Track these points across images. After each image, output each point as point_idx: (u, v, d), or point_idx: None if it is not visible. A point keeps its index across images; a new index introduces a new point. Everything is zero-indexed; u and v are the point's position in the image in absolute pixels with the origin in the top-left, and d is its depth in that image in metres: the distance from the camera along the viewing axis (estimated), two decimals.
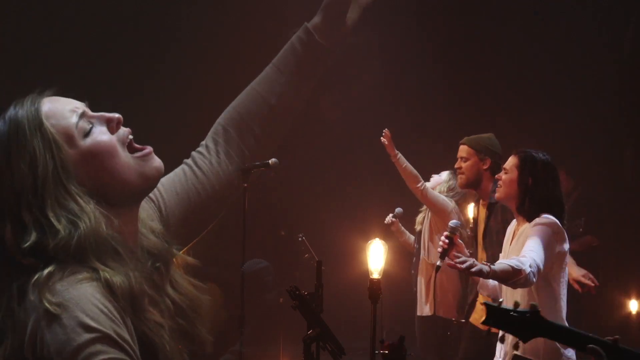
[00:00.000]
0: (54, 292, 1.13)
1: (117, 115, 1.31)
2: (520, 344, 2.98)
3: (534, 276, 3.05)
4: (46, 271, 1.15)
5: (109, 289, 1.16)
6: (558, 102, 7.07)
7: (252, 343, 5.17)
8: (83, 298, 1.12)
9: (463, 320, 4.87)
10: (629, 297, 5.61)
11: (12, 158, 1.21)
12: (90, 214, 1.21)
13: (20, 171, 1.20)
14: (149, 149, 1.32)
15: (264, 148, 1.65)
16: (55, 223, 1.18)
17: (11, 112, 1.26)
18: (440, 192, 4.95)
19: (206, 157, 1.59)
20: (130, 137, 1.31)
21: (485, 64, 7.32)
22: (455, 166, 4.46)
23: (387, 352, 2.42)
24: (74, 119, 1.26)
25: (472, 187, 4.46)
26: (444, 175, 5.09)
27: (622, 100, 6.96)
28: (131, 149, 1.30)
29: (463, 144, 4.43)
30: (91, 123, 1.28)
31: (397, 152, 4.67)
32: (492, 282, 3.51)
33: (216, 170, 1.58)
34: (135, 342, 1.16)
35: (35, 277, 1.15)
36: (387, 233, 5.07)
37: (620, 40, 6.97)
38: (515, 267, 3.05)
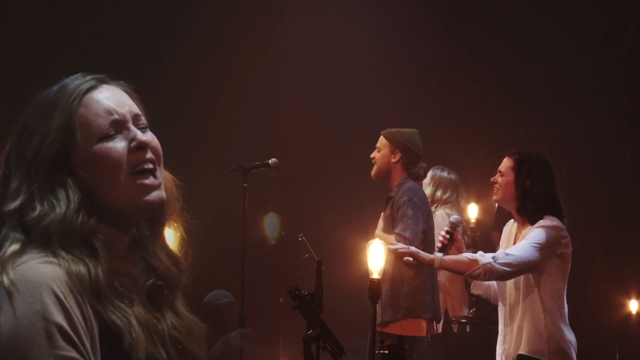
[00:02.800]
0: (14, 270, 1.15)
1: (142, 138, 1.28)
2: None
3: (502, 267, 3.12)
4: (11, 248, 1.18)
5: (69, 275, 1.17)
6: (558, 102, 7.07)
7: (252, 343, 5.15)
8: (41, 283, 1.14)
9: (464, 320, 4.87)
10: (629, 297, 5.61)
11: (37, 123, 1.25)
12: (71, 202, 1.22)
13: (34, 139, 1.24)
14: (151, 181, 1.28)
15: None
16: (37, 201, 1.21)
17: (69, 79, 1.29)
18: (434, 192, 4.93)
19: None
20: (149, 166, 1.28)
21: (484, 65, 7.31)
22: (371, 156, 4.42)
23: (387, 352, 2.41)
24: (103, 120, 1.26)
25: (383, 180, 4.42)
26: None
27: (622, 100, 6.96)
28: (139, 175, 1.27)
29: (382, 134, 4.40)
30: (118, 133, 1.27)
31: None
32: (485, 282, 3.52)
33: None
34: (92, 329, 1.17)
35: (2, 250, 1.19)
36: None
37: (620, 40, 6.97)
38: (471, 258, 3.14)
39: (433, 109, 7.37)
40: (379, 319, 4.22)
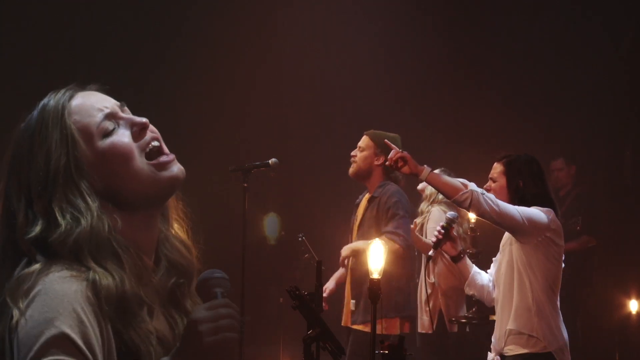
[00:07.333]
0: (34, 286, 1.14)
1: (141, 120, 1.31)
2: None
3: (488, 202, 3.13)
4: (32, 267, 1.18)
5: (94, 290, 1.17)
6: (558, 102, 7.08)
7: (252, 343, 5.16)
8: (62, 296, 1.14)
9: (463, 320, 4.86)
10: (629, 297, 5.61)
11: (33, 148, 1.25)
12: (94, 212, 1.22)
13: (36, 163, 1.23)
14: (166, 157, 1.31)
15: None
16: (59, 217, 1.21)
17: (45, 100, 1.29)
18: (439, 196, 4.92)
19: None
20: (155, 144, 1.31)
21: (486, 66, 7.31)
22: (352, 154, 4.43)
23: (387, 352, 2.41)
24: (98, 118, 1.27)
25: (362, 179, 4.44)
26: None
27: (622, 100, 6.96)
28: (151, 156, 1.30)
29: (366, 134, 4.41)
30: (117, 124, 1.29)
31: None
32: (479, 281, 3.52)
33: None
34: (110, 347, 1.16)
35: (24, 270, 1.18)
36: None
37: (620, 41, 6.98)
38: (464, 182, 3.17)
39: (433, 110, 7.37)
40: (360, 318, 4.25)
